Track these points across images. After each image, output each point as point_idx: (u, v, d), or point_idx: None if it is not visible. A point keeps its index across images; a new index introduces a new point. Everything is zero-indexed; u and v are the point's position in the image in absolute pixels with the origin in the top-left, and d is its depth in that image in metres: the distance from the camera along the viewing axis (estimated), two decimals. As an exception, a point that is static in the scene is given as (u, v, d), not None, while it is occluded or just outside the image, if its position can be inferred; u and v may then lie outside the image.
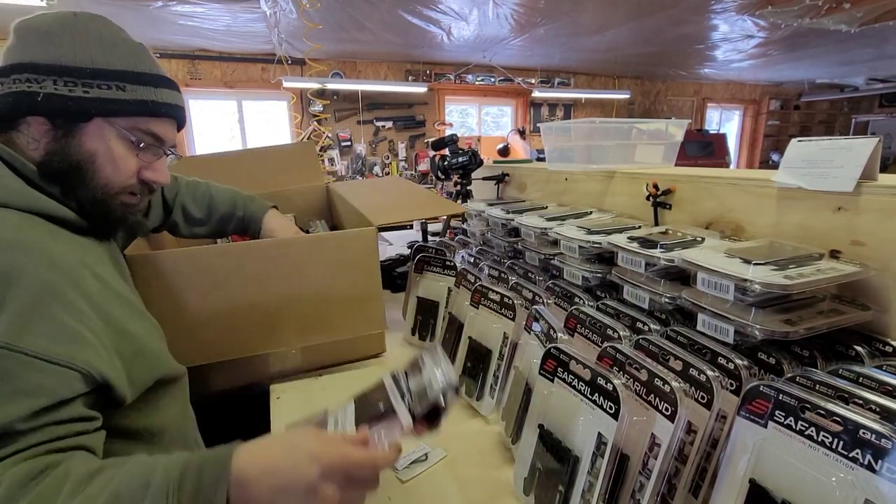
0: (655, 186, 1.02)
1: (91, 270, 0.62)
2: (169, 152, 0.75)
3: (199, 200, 1.08)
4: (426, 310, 1.20)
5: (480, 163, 1.75)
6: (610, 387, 0.58)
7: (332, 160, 5.22)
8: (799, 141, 0.77)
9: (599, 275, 0.94)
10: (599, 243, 0.91)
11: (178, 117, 0.75)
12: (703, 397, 0.58)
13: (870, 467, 0.43)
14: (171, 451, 0.59)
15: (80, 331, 0.55)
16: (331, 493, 0.46)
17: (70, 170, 0.64)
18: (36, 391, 0.50)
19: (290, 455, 0.47)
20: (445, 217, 1.86)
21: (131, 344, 0.64)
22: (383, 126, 5.43)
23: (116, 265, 0.74)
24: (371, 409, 0.57)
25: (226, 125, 5.09)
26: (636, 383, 0.60)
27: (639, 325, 0.79)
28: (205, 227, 1.10)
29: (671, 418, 0.55)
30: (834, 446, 0.46)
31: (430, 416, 0.55)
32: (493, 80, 5.79)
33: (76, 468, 0.48)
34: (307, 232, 1.49)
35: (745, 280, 0.62)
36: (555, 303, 0.97)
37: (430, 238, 1.83)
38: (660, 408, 0.56)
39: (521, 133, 5.81)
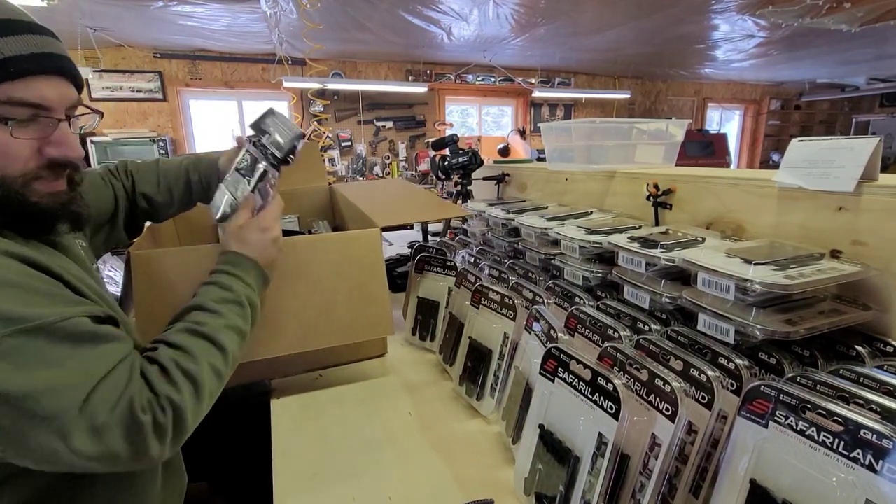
0: (656, 186, 1.02)
1: (48, 266, 0.56)
2: (67, 116, 0.59)
3: (157, 183, 0.98)
4: (426, 310, 1.20)
5: (481, 163, 1.75)
6: (610, 387, 0.58)
7: (332, 160, 5.22)
8: (800, 141, 0.77)
9: (600, 275, 0.94)
10: (600, 243, 0.91)
11: (59, 69, 0.57)
12: (703, 397, 0.58)
13: (870, 467, 0.43)
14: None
15: (69, 296, 0.56)
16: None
17: None
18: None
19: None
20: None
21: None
22: (384, 126, 5.43)
23: (80, 265, 0.67)
24: (250, 171, 0.81)
25: (226, 125, 5.09)
26: (637, 383, 0.60)
27: (639, 325, 0.79)
28: (173, 208, 1.02)
29: (672, 418, 0.55)
30: (835, 446, 0.46)
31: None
32: (493, 80, 5.79)
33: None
34: (310, 232, 1.49)
35: (746, 280, 0.62)
36: (555, 303, 0.97)
37: (430, 238, 1.83)
38: (660, 408, 0.56)
39: (522, 133, 5.82)
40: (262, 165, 0.81)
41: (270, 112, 0.84)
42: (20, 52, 0.52)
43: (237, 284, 0.72)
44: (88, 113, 0.63)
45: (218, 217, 0.81)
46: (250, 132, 0.85)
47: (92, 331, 0.53)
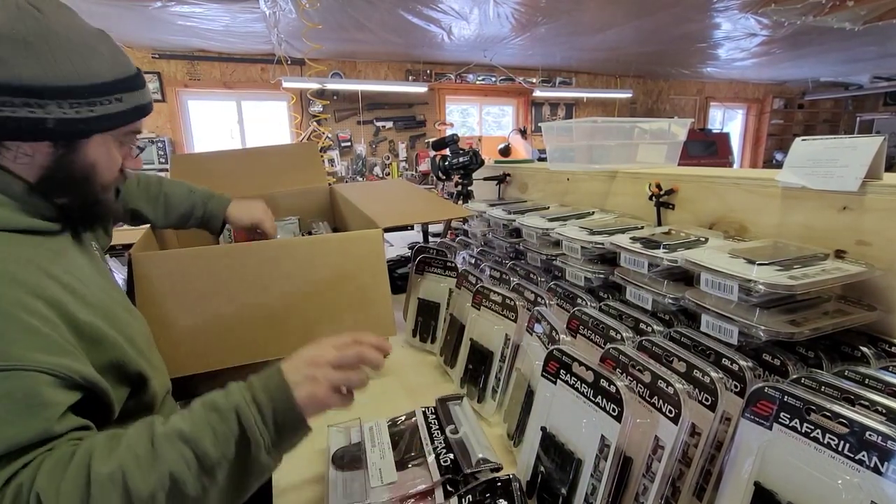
0: (658, 186, 1.02)
1: (58, 281, 0.59)
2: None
3: (153, 201, 1.07)
4: (427, 311, 1.20)
5: (481, 163, 1.75)
6: (613, 389, 0.58)
7: (332, 161, 5.22)
8: (803, 140, 0.77)
9: (602, 276, 0.94)
10: (602, 244, 0.91)
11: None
12: (706, 399, 0.57)
13: (876, 469, 0.43)
14: None
15: (55, 338, 0.54)
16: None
17: (74, 182, 0.65)
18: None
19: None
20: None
21: (105, 353, 0.61)
22: (383, 126, 5.43)
23: (94, 267, 0.72)
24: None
25: (225, 126, 5.09)
26: (639, 385, 0.60)
27: (642, 326, 0.78)
28: (159, 225, 1.09)
29: (675, 420, 0.54)
30: (840, 448, 0.45)
31: None
32: (493, 79, 5.79)
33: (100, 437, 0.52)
34: (310, 233, 1.48)
35: (749, 280, 0.61)
36: (557, 304, 0.97)
37: (430, 239, 1.83)
38: (663, 410, 0.56)
39: (523, 133, 5.81)
40: None
41: None
42: (149, 101, 0.72)
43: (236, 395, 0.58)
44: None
45: None
46: None
47: (31, 395, 0.48)
